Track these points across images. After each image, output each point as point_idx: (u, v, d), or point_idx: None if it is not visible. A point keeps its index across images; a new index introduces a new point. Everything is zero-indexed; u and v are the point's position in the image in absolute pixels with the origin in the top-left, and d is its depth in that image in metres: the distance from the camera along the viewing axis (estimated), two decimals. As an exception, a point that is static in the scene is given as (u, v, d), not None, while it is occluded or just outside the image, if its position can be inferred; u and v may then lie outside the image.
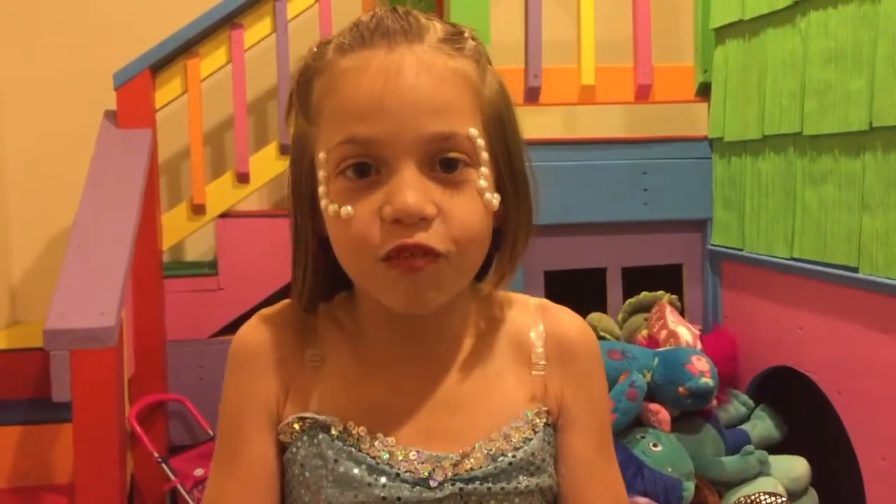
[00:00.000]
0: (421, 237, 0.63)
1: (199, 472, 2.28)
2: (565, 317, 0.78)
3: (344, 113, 0.66)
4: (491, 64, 0.71)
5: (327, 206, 0.66)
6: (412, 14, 0.68)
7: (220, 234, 2.55)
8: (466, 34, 0.69)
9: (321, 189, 0.67)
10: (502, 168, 0.70)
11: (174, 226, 2.56)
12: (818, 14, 1.85)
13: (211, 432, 2.38)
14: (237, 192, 2.60)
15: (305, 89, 0.70)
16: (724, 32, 2.23)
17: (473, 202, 0.66)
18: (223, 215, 2.57)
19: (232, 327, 2.49)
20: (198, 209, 2.56)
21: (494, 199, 0.68)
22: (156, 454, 2.23)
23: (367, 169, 0.65)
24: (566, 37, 2.39)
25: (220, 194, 2.58)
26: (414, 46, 0.65)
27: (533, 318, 0.77)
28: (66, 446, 2.23)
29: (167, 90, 2.52)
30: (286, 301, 0.77)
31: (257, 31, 2.58)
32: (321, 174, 0.67)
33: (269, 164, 2.62)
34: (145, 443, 2.22)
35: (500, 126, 0.70)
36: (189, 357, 2.46)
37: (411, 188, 0.63)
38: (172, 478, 2.22)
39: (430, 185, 0.65)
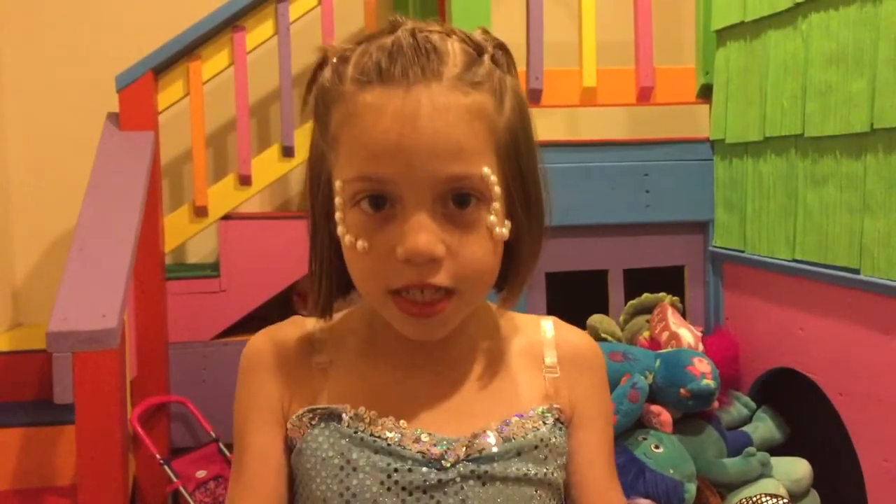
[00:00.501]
0: (430, 277, 0.66)
1: (201, 473, 2.29)
2: (576, 333, 0.82)
3: (360, 150, 0.66)
4: (511, 71, 0.71)
5: (344, 235, 0.68)
6: (430, 41, 0.66)
7: (222, 236, 2.55)
8: (486, 56, 0.68)
9: (338, 215, 0.69)
10: (515, 194, 0.71)
11: (176, 228, 2.56)
12: (819, 16, 1.85)
13: (213, 434, 2.39)
14: (239, 194, 2.60)
15: (324, 112, 0.70)
16: (726, 34, 2.23)
17: (483, 240, 0.68)
18: (225, 217, 2.57)
19: (234, 329, 2.49)
20: (200, 211, 2.56)
21: (504, 229, 0.69)
22: (158, 456, 2.23)
23: (382, 202, 0.66)
24: (568, 39, 2.39)
25: (223, 196, 2.59)
26: (431, 86, 0.65)
27: (544, 328, 0.81)
28: (68, 448, 2.24)
29: (169, 92, 2.52)
30: (293, 318, 0.80)
31: (259, 33, 2.59)
32: (338, 200, 0.69)
33: (271, 167, 2.62)
34: (147, 445, 2.23)
35: (516, 152, 0.70)
36: (191, 359, 2.46)
37: (423, 230, 0.65)
38: (174, 480, 2.22)
39: (442, 224, 0.66)
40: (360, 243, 0.67)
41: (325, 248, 0.73)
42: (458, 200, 0.66)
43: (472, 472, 0.69)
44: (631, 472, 1.78)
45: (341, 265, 0.73)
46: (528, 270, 0.74)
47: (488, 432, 0.71)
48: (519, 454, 0.71)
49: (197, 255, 3.11)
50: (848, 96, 1.76)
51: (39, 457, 2.30)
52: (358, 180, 0.66)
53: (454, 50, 0.67)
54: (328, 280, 0.74)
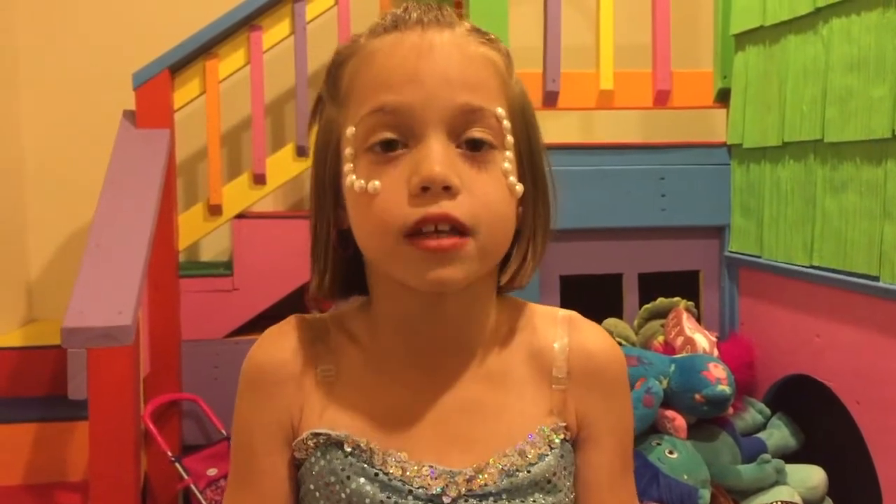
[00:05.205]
0: (447, 206, 0.63)
1: (212, 471, 2.29)
2: (594, 332, 0.76)
3: (375, 85, 0.66)
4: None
5: (353, 183, 0.66)
6: (444, 8, 0.69)
7: (235, 234, 2.56)
8: (493, 35, 0.72)
9: (347, 167, 0.67)
10: (524, 161, 0.71)
11: (190, 226, 2.57)
12: (840, 21, 1.84)
13: (224, 432, 2.39)
14: (253, 193, 2.61)
15: (336, 74, 0.71)
16: (745, 38, 2.22)
17: (498, 184, 0.67)
18: (239, 216, 2.58)
19: (247, 328, 2.49)
20: (214, 210, 2.57)
21: (518, 185, 0.68)
22: (169, 453, 2.23)
23: (394, 144, 0.66)
24: (585, 41, 2.39)
25: (237, 195, 2.59)
26: (445, 32, 0.68)
27: (559, 330, 0.75)
28: (81, 444, 2.24)
29: (186, 91, 2.53)
30: (294, 316, 0.76)
31: (276, 32, 2.59)
32: (348, 151, 0.67)
33: (285, 166, 2.62)
34: (159, 442, 2.23)
35: (524, 121, 0.71)
36: (203, 357, 2.47)
37: (438, 156, 0.64)
38: (185, 477, 2.23)
39: (457, 160, 0.65)
40: (372, 184, 0.65)
41: (330, 237, 0.72)
42: (471, 144, 0.66)
43: None
44: (645, 478, 1.77)
45: (345, 257, 0.72)
46: (538, 248, 0.72)
47: (490, 466, 0.68)
48: (522, 488, 0.68)
49: (210, 254, 3.12)
50: (869, 102, 1.74)
51: (52, 452, 2.31)
52: (372, 114, 0.66)
53: (465, 22, 0.70)
54: (332, 269, 0.72)
